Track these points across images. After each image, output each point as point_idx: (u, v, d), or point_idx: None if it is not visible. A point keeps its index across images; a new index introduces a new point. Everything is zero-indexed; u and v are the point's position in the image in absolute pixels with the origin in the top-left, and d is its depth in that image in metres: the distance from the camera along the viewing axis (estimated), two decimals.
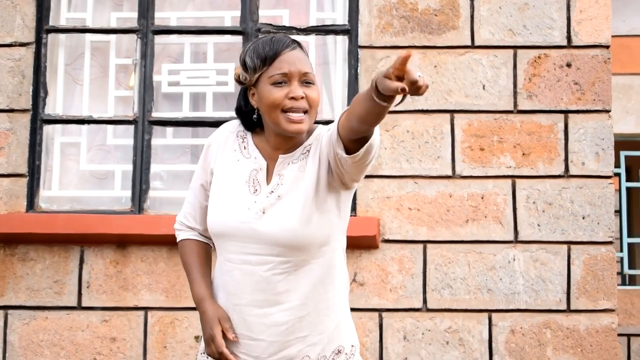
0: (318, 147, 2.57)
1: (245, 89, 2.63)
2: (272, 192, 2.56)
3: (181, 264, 4.56)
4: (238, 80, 2.61)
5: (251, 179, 2.60)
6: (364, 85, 4.65)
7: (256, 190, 2.58)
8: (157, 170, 4.85)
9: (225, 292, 2.61)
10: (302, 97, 2.50)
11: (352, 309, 4.78)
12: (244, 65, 2.58)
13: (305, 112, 2.52)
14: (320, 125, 2.64)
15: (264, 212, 2.54)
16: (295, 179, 2.56)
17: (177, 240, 2.80)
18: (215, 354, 2.60)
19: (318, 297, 2.56)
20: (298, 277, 2.54)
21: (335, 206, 2.58)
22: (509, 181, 4.60)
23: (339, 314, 2.61)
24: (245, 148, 2.65)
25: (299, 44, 2.59)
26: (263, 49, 2.53)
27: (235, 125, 2.70)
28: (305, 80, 2.54)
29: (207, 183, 2.69)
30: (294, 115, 2.50)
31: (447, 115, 4.64)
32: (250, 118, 2.62)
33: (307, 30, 4.81)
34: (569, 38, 4.67)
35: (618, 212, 7.84)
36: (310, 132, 2.61)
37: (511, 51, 4.67)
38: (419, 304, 4.55)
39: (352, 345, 2.64)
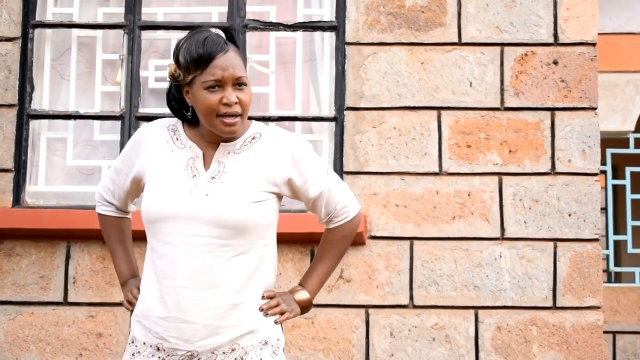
0: (282, 162, 2.71)
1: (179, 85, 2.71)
2: (213, 177, 2.66)
3: None
4: (173, 78, 2.69)
5: (189, 166, 2.69)
6: (351, 81, 4.65)
7: (195, 175, 2.67)
8: None
9: (157, 277, 2.67)
10: (235, 103, 2.61)
11: (339, 305, 4.76)
12: (177, 62, 2.65)
13: (239, 115, 2.64)
14: (254, 122, 2.77)
15: (207, 195, 2.63)
16: (238, 168, 2.67)
17: (97, 211, 2.96)
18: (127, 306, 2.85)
19: (251, 288, 2.67)
20: (235, 265, 2.63)
21: (276, 204, 2.74)
22: (495, 178, 4.61)
23: None
24: (177, 139, 2.74)
25: (233, 41, 2.67)
26: (196, 52, 2.60)
27: (165, 121, 2.80)
28: (238, 83, 2.63)
29: (127, 169, 2.81)
30: (228, 120, 2.62)
31: (434, 112, 4.64)
32: (184, 113, 2.73)
33: (294, 27, 4.80)
34: (555, 35, 4.68)
35: (604, 209, 7.86)
36: (245, 127, 2.74)
37: (498, 48, 4.68)
38: (405, 300, 4.56)
39: (278, 339, 2.73)
